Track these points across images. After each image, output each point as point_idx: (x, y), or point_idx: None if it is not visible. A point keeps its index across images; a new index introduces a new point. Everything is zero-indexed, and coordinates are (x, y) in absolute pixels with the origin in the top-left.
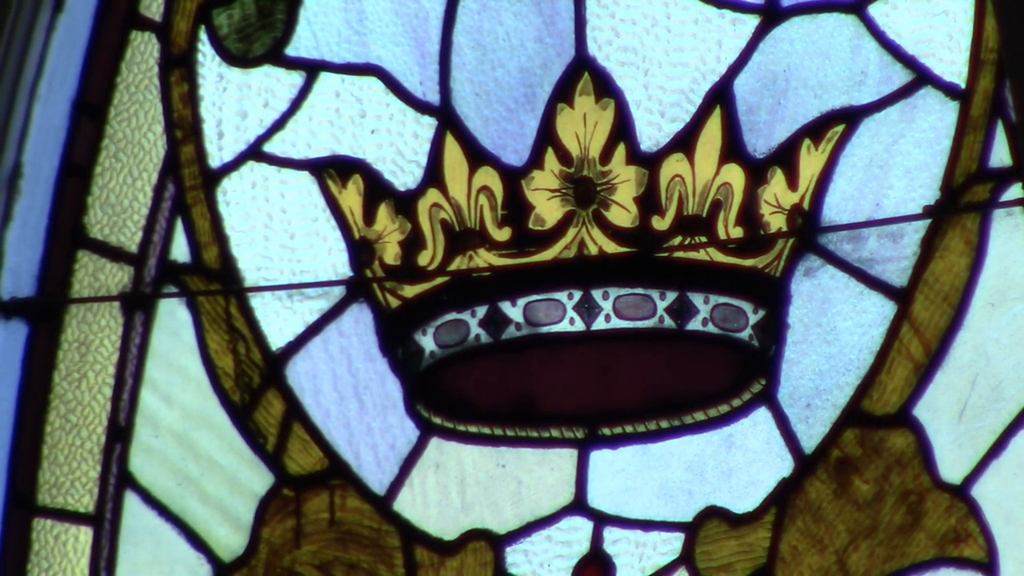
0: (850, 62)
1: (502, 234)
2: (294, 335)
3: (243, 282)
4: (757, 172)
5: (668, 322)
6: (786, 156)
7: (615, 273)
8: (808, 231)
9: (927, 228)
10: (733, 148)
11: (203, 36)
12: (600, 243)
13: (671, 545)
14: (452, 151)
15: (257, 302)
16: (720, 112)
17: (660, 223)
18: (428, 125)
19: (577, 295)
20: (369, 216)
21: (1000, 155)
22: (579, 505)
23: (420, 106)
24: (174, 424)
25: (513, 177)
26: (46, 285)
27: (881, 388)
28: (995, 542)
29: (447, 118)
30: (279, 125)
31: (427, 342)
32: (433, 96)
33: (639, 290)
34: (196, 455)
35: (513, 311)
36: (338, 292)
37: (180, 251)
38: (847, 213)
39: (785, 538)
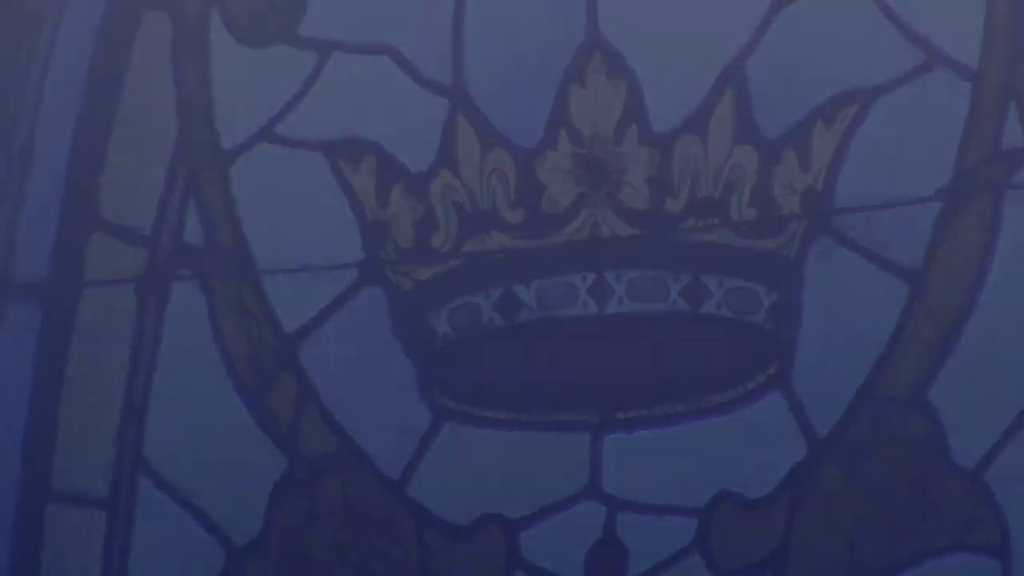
0: (863, 43)
1: (515, 216)
2: (308, 317)
3: (256, 264)
4: (770, 153)
5: (682, 305)
6: (799, 137)
7: (628, 255)
8: (821, 213)
9: (941, 210)
10: (746, 129)
11: (215, 16)
12: (613, 225)
13: (685, 530)
14: (464, 132)
15: (270, 284)
16: (732, 93)
17: (673, 205)
18: (440, 106)
19: (591, 278)
20: (382, 198)
21: (1014, 136)
22: (593, 490)
23: (432, 87)
24: (188, 407)
25: (525, 158)
26: (59, 268)
27: (895, 371)
28: (1009, 527)
29: (459, 99)
30: (292, 106)
31: (441, 325)
32: (445, 77)
33: (652, 273)
34: (210, 438)
35: (526, 294)
36: (351, 274)
37: (193, 233)
38: (861, 195)
39: (798, 522)
